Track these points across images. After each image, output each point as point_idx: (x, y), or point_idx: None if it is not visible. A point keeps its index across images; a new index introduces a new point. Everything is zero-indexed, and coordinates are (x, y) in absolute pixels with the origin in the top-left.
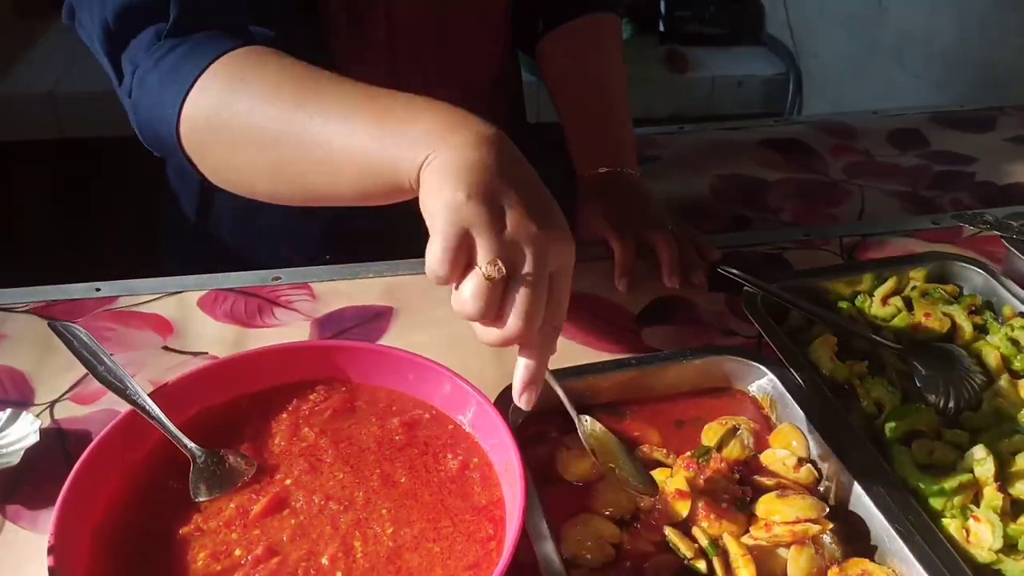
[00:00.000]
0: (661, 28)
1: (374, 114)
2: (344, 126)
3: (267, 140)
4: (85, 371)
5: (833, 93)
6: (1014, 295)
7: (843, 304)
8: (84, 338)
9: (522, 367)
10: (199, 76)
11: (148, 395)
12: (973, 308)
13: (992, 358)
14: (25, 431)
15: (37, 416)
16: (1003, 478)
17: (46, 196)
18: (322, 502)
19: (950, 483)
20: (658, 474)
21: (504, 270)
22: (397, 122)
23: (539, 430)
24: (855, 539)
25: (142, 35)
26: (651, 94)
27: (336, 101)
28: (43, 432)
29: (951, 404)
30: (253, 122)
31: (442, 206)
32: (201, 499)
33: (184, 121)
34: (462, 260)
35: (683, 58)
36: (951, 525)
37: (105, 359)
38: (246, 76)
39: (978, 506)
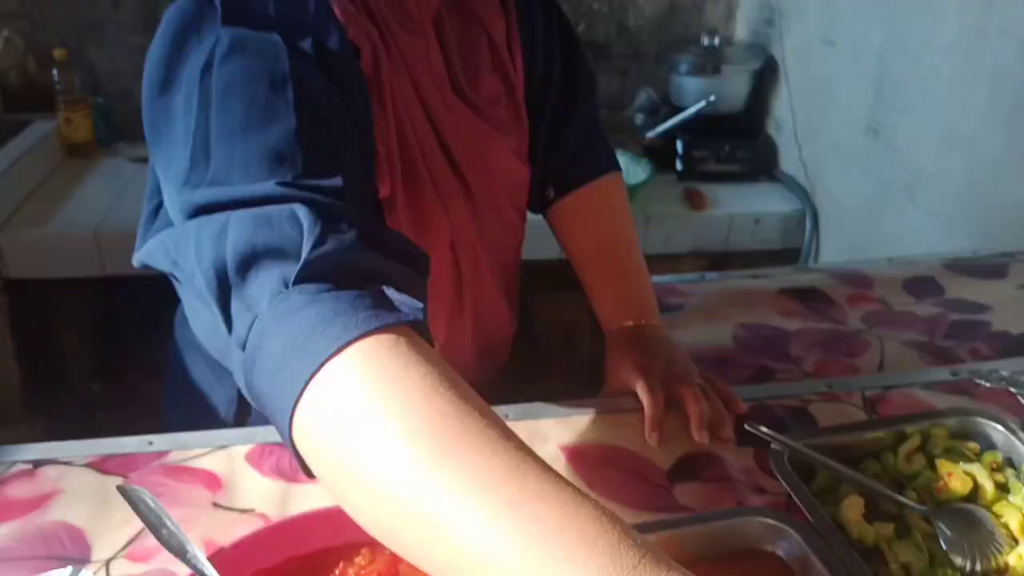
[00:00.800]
0: (679, 167)
1: (524, 527)
2: (485, 531)
3: (386, 496)
4: (140, 527)
5: (850, 230)
6: None
7: (869, 461)
8: (149, 502)
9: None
10: (327, 360)
11: (207, 559)
12: (995, 466)
13: (1015, 520)
14: None
15: (95, 574)
16: None
17: (86, 332)
18: None
19: None
20: None
21: None
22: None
23: None
24: None
25: (265, 279)
26: (671, 231)
27: (477, 474)
28: None
29: (977, 567)
30: (377, 466)
31: None
32: None
33: (299, 419)
34: None
35: (701, 195)
36: None
37: (167, 522)
38: (381, 392)
39: None
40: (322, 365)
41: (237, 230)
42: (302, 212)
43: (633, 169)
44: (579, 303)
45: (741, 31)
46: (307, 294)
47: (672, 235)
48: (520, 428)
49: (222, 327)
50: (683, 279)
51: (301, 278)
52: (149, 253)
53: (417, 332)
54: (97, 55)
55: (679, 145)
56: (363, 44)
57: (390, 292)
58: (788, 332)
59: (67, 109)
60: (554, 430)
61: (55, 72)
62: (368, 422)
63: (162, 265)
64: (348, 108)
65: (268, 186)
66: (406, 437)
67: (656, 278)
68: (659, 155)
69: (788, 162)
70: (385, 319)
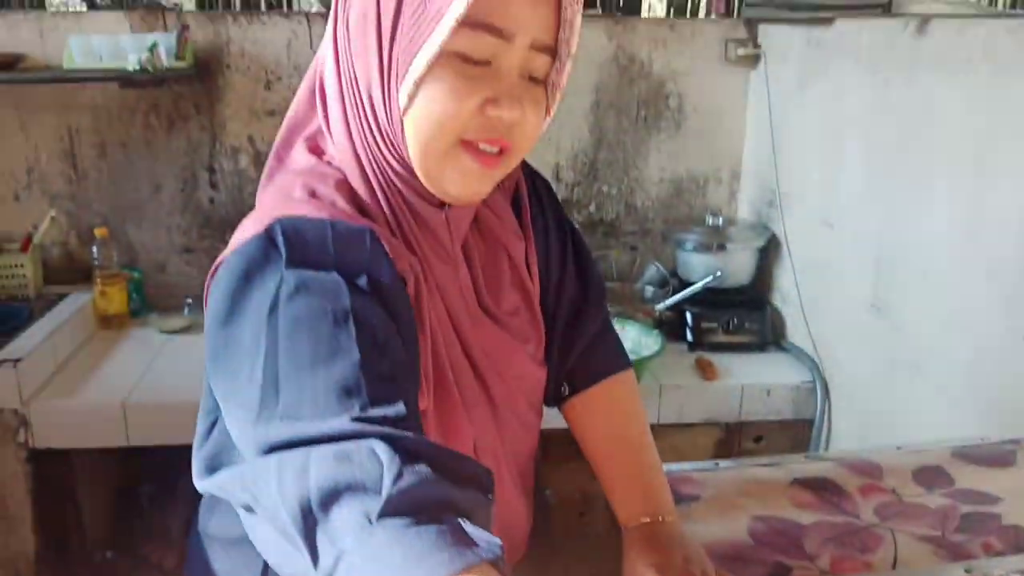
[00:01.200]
0: (689, 338)
1: None
2: None
3: None
4: None
5: (861, 402)
6: None
7: None
8: None
9: None
10: None
11: None
12: None
13: None
14: None
15: None
16: None
17: (103, 500)
18: None
19: None
20: None
21: None
22: None
23: None
24: None
25: (348, 514)
26: (684, 401)
27: None
28: None
29: None
30: None
31: None
32: None
33: None
34: None
35: (711, 366)
36: None
37: None
38: None
39: None
40: None
41: (319, 467)
42: (380, 448)
43: (645, 340)
44: (592, 472)
45: (744, 211)
46: (391, 530)
47: (685, 405)
48: None
49: (304, 560)
50: (697, 467)
51: (384, 513)
52: (222, 486)
53: (495, 567)
54: (136, 232)
55: (688, 317)
56: (408, 275)
57: (467, 527)
58: (802, 525)
59: (103, 282)
60: None
61: (95, 248)
62: None
63: (238, 498)
64: (402, 337)
65: (342, 422)
66: None
67: (670, 466)
68: (669, 326)
69: (796, 334)
70: (468, 559)
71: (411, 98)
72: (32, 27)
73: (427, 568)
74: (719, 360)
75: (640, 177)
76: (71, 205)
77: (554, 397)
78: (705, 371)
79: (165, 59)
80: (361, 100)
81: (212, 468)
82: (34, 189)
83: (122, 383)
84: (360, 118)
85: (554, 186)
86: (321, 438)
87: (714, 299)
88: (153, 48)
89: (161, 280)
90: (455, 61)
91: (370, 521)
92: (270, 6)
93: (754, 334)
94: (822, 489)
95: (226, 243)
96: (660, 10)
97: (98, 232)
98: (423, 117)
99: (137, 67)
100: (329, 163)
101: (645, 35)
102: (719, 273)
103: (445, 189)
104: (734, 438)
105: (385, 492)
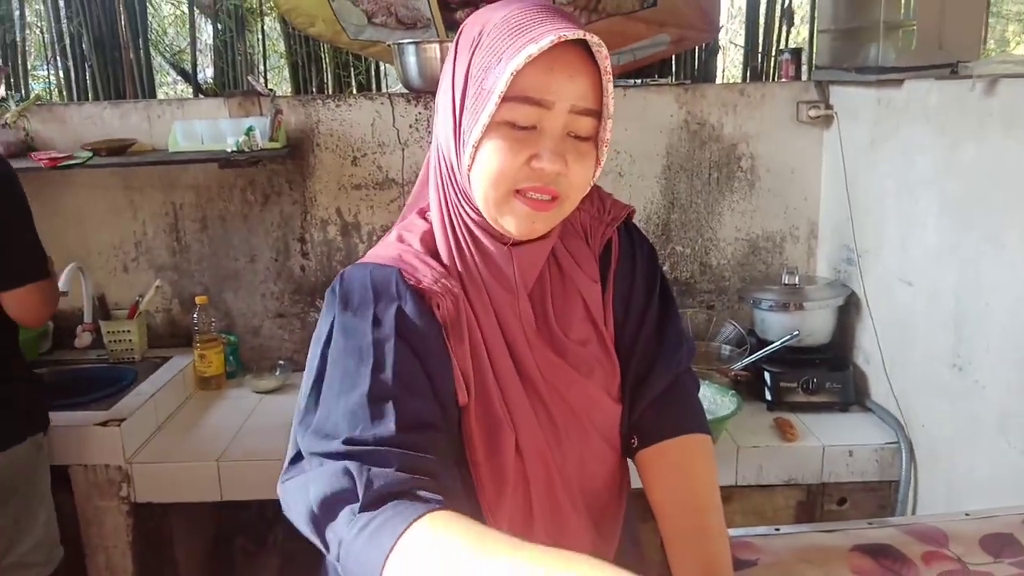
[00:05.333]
0: (768, 397)
1: None
2: None
3: None
4: None
5: (946, 463)
6: None
7: None
8: None
9: None
10: (394, 545)
11: None
12: None
13: None
14: None
15: None
16: None
17: (199, 551)
18: None
19: None
20: None
21: None
22: None
23: None
24: None
25: (341, 515)
26: (763, 462)
27: None
28: None
29: None
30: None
31: None
32: None
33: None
34: None
35: (791, 426)
36: None
37: None
38: (431, 545)
39: None
40: (390, 551)
41: (314, 485)
42: (352, 467)
43: (721, 401)
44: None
45: (823, 269)
46: (367, 518)
47: (765, 466)
48: None
49: (324, 551)
50: (757, 532)
51: (362, 508)
52: (286, 504)
53: (449, 510)
54: (232, 299)
55: (767, 376)
56: (443, 299)
57: (422, 494)
58: None
59: (202, 346)
60: None
61: (195, 314)
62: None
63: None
64: (421, 359)
65: (336, 445)
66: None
67: (730, 531)
68: (747, 386)
69: (879, 393)
70: (418, 511)
71: (473, 158)
72: (141, 115)
73: (389, 530)
74: (799, 420)
75: (714, 237)
76: (174, 275)
77: (627, 449)
78: (785, 432)
79: (260, 141)
80: (444, 164)
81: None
82: (141, 261)
83: (217, 441)
84: (443, 177)
85: None
86: (322, 454)
87: (793, 358)
88: (249, 131)
89: (255, 343)
90: (505, 128)
91: (354, 515)
92: (360, 87)
93: (835, 394)
94: (883, 556)
95: (316, 308)
96: (736, 75)
97: (198, 299)
98: (482, 172)
99: (235, 148)
100: (424, 218)
101: (715, 100)
102: (797, 332)
103: (506, 228)
104: (816, 500)
105: (360, 495)
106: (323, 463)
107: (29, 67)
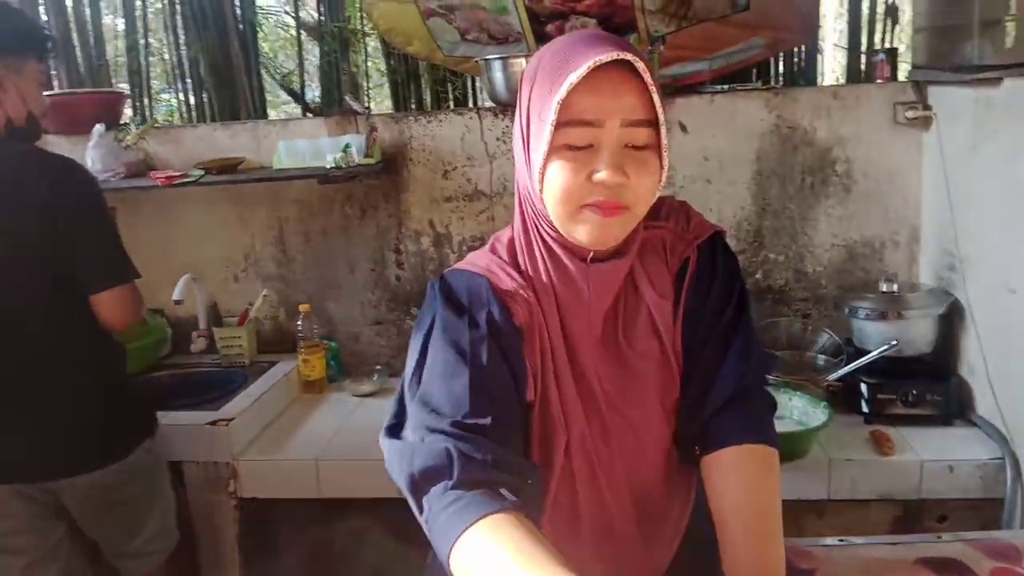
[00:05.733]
0: (864, 409)
1: None
2: None
3: None
4: None
5: None
6: None
7: None
8: None
9: None
10: (464, 530)
11: None
12: None
13: None
14: None
15: None
16: None
17: (303, 545)
18: None
19: None
20: None
21: None
22: None
23: None
24: None
25: (435, 487)
26: (856, 476)
27: None
28: None
29: None
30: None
31: None
32: None
33: (452, 561)
34: None
35: (888, 440)
36: None
37: None
38: (486, 545)
39: None
40: (457, 539)
41: (419, 457)
42: (452, 448)
43: (812, 412)
44: None
45: (925, 275)
46: (456, 495)
47: (858, 480)
48: None
49: (416, 512)
50: (822, 543)
51: (453, 487)
52: (389, 460)
53: (518, 512)
54: (334, 307)
55: (864, 388)
56: (519, 307)
57: (503, 491)
58: None
59: (306, 351)
60: None
61: (299, 322)
62: (482, 561)
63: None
64: (507, 361)
65: (445, 423)
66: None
67: (792, 540)
68: (843, 397)
69: (984, 406)
70: (493, 507)
71: (541, 181)
72: (250, 134)
73: (470, 511)
74: (897, 433)
75: (809, 243)
76: (280, 284)
77: (686, 453)
78: (881, 445)
79: (356, 157)
80: (522, 186)
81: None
82: (250, 272)
83: (317, 442)
84: (523, 199)
85: None
86: (432, 429)
87: (892, 369)
88: (346, 149)
89: (355, 349)
90: (564, 150)
91: (446, 490)
92: (457, 102)
93: (936, 406)
94: (946, 570)
95: (411, 316)
96: (837, 77)
97: (302, 308)
98: (551, 193)
99: (333, 165)
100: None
101: (807, 104)
102: (896, 343)
103: (579, 239)
104: (914, 517)
105: (455, 475)
106: (425, 438)
107: (154, 92)
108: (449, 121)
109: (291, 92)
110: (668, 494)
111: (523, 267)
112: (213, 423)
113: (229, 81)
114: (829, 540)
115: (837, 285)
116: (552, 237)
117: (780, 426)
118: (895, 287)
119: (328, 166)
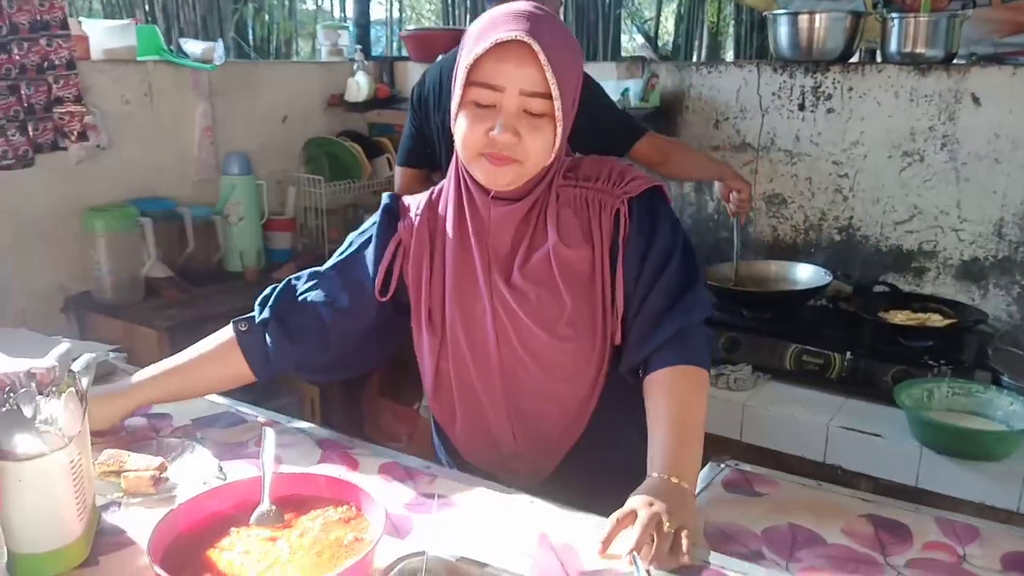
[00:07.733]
0: None
1: None
2: None
3: None
4: None
5: None
6: None
7: None
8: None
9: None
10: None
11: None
12: None
13: None
14: None
15: None
16: None
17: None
18: None
19: None
20: None
21: None
22: None
23: None
24: None
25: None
26: None
27: None
28: None
29: None
30: None
31: None
32: None
33: None
34: None
35: None
36: None
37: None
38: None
39: None
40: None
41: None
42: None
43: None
44: None
45: None
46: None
47: None
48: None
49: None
50: (778, 475)
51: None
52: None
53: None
54: None
55: None
56: (405, 226)
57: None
58: (819, 535)
59: None
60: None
61: None
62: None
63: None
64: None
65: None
66: None
67: (764, 470)
68: None
69: None
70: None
71: (455, 129)
72: None
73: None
74: None
75: None
76: None
77: (634, 376)
78: None
79: (633, 101)
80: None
81: None
82: None
83: None
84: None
85: (992, 242)
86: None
87: None
88: (625, 92)
89: None
90: (471, 105)
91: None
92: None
93: None
94: (885, 529)
95: None
96: None
97: None
98: (458, 139)
99: None
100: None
101: None
102: None
103: (478, 179)
104: None
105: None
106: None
107: None
108: (728, 73)
109: (647, 37)
110: (548, 411)
111: (436, 196)
112: None
113: (589, 19)
114: (789, 476)
115: None
116: (467, 174)
117: (981, 424)
118: None
119: None
